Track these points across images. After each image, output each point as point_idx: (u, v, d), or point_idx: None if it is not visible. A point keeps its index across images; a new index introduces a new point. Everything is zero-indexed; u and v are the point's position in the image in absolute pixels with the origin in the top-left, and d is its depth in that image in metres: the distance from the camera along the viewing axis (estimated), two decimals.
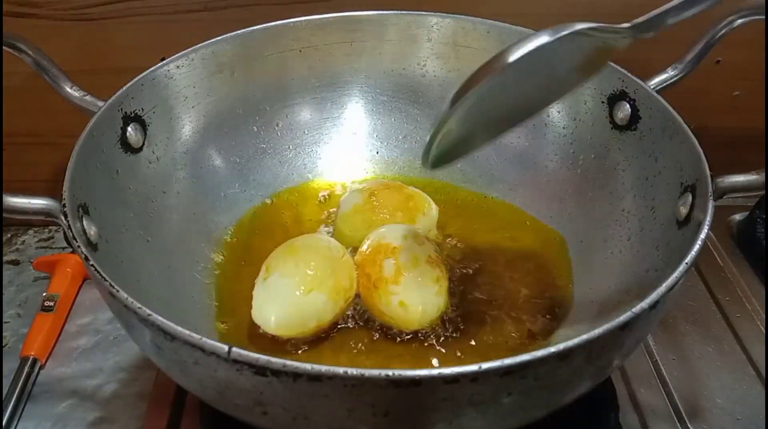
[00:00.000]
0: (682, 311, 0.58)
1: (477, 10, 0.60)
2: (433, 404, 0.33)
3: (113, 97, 0.49)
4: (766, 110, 0.62)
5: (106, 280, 0.36)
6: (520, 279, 0.53)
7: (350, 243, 0.53)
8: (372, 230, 0.52)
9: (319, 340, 0.48)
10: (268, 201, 0.60)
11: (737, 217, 0.67)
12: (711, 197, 0.41)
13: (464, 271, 0.54)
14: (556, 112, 0.58)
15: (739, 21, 0.50)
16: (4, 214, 0.41)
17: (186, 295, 0.51)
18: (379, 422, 0.33)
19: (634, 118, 0.52)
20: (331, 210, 0.60)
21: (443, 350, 0.48)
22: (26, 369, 0.53)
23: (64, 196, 0.41)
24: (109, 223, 0.45)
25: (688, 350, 0.55)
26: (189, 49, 0.55)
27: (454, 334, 0.49)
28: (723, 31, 0.51)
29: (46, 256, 0.64)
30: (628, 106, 0.52)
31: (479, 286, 0.53)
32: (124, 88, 0.50)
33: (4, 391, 0.51)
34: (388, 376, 0.31)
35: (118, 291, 0.36)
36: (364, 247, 0.51)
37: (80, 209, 0.42)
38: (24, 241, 0.68)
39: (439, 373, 0.31)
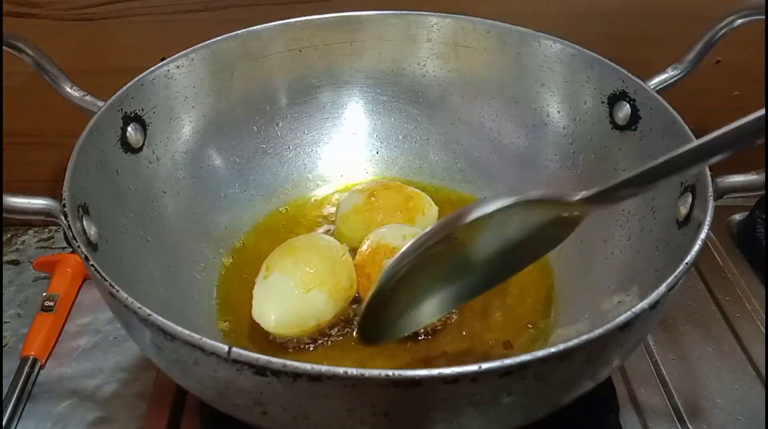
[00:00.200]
0: (682, 311, 0.58)
1: (477, 10, 0.60)
2: (433, 404, 0.33)
3: (113, 97, 0.49)
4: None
5: (106, 280, 0.36)
6: (520, 279, 0.53)
7: (350, 243, 0.53)
8: (372, 230, 0.52)
9: (320, 340, 0.48)
10: (269, 201, 0.60)
11: (737, 217, 0.67)
12: (711, 197, 0.41)
13: None
14: (556, 112, 0.58)
15: (739, 21, 0.50)
16: (4, 214, 0.41)
17: (186, 295, 0.51)
18: (379, 422, 0.33)
19: (634, 118, 0.52)
20: (330, 210, 0.60)
21: (443, 350, 0.48)
22: (26, 369, 0.53)
23: (64, 196, 0.41)
24: (109, 223, 0.45)
25: (688, 350, 0.55)
26: (189, 49, 0.55)
27: (455, 334, 0.49)
28: (723, 31, 0.51)
29: (46, 256, 0.64)
30: (628, 106, 0.52)
31: None
32: (124, 88, 0.50)
33: (4, 391, 0.51)
34: (388, 376, 0.30)
35: (118, 291, 0.36)
36: (363, 248, 0.51)
37: (80, 209, 0.42)
38: (24, 241, 0.68)
39: (439, 373, 0.31)
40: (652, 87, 0.51)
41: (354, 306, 0.50)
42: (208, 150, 0.57)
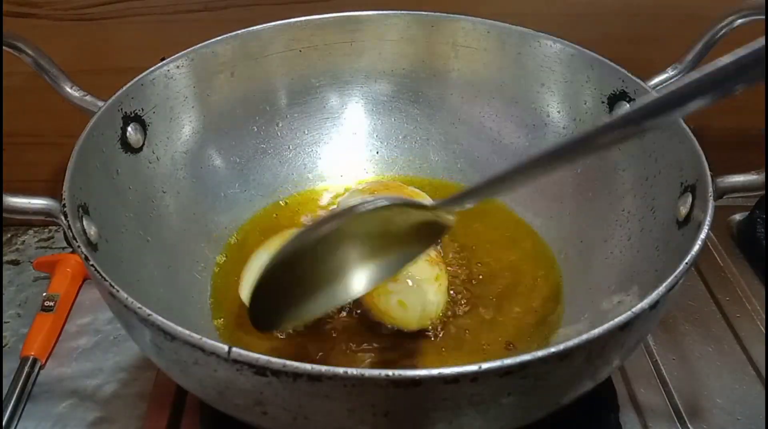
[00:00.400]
0: (682, 311, 0.58)
1: (477, 10, 0.60)
2: (433, 404, 0.33)
3: (113, 97, 0.49)
4: (766, 110, 0.62)
5: (106, 280, 0.36)
6: (520, 279, 0.54)
7: None
8: None
9: (319, 340, 0.48)
10: (268, 201, 0.60)
11: (737, 217, 0.67)
12: (711, 197, 0.41)
13: (464, 270, 0.54)
14: (556, 112, 0.58)
15: (739, 21, 0.50)
16: (4, 214, 0.41)
17: (186, 295, 0.51)
18: (379, 422, 0.33)
19: None
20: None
21: (443, 350, 0.48)
22: (26, 369, 0.53)
23: (64, 196, 0.41)
24: (109, 223, 0.45)
25: (688, 350, 0.55)
26: (189, 49, 0.55)
27: (455, 334, 0.49)
28: (723, 31, 0.51)
29: (46, 256, 0.64)
30: (628, 106, 0.52)
31: (479, 285, 0.53)
32: (124, 88, 0.50)
33: (4, 391, 0.51)
34: (388, 376, 0.31)
35: (118, 291, 0.36)
36: None
37: (80, 209, 0.42)
38: (24, 241, 0.68)
39: (439, 373, 0.31)
40: (652, 87, 0.51)
41: (354, 306, 0.50)
42: (208, 150, 0.57)
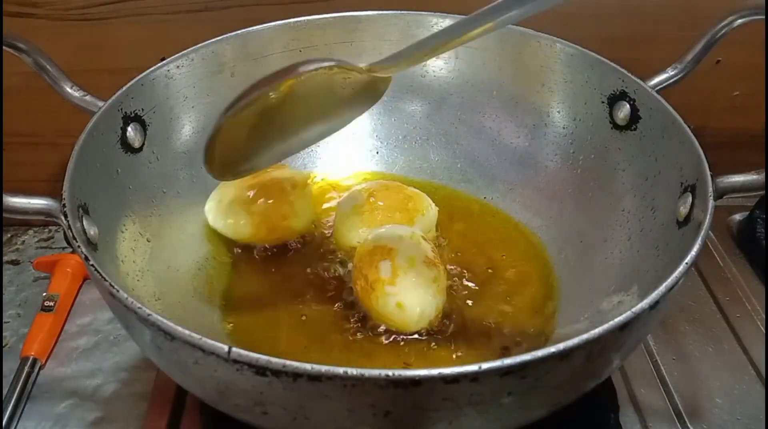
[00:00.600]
0: (682, 311, 0.58)
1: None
2: (433, 404, 0.33)
3: (113, 97, 0.49)
4: (766, 110, 0.62)
5: (106, 280, 0.36)
6: (519, 279, 0.54)
7: (349, 243, 0.54)
8: (371, 231, 0.52)
9: (318, 340, 0.48)
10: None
11: (737, 217, 0.67)
12: (711, 197, 0.41)
13: (464, 271, 0.54)
14: (556, 112, 0.58)
15: (739, 21, 0.50)
16: (4, 214, 0.41)
17: (186, 294, 0.51)
18: (379, 422, 0.33)
19: (634, 118, 0.52)
20: (330, 210, 0.60)
21: (443, 350, 0.48)
22: (26, 369, 0.53)
23: (64, 196, 0.41)
24: (109, 223, 0.45)
25: (688, 350, 0.55)
26: (189, 49, 0.55)
27: (454, 334, 0.49)
28: (723, 31, 0.51)
29: (46, 256, 0.64)
30: (628, 106, 0.52)
31: (479, 286, 0.53)
32: (124, 88, 0.50)
33: (4, 391, 0.51)
34: (388, 376, 0.31)
35: (118, 291, 0.36)
36: (361, 250, 0.51)
37: (80, 209, 0.42)
38: (24, 241, 0.68)
39: (439, 373, 0.31)
40: (652, 87, 0.51)
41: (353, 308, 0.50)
42: None
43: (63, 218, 0.40)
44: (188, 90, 0.55)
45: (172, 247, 0.52)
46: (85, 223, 0.42)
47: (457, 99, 0.62)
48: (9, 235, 0.69)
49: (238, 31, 0.57)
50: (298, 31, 0.59)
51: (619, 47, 0.55)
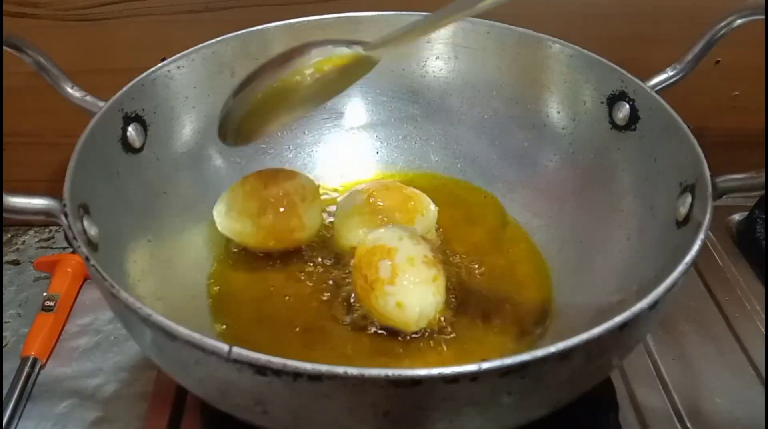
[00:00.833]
0: (682, 311, 0.58)
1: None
2: (433, 404, 0.33)
3: (114, 98, 0.49)
4: (766, 110, 0.62)
5: (107, 280, 0.36)
6: (518, 279, 0.54)
7: (349, 244, 0.54)
8: (371, 231, 0.52)
9: (318, 340, 0.48)
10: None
11: (737, 217, 0.67)
12: (710, 197, 0.41)
13: (463, 271, 0.54)
14: (555, 113, 0.58)
15: (739, 21, 0.50)
16: (4, 214, 0.41)
17: (186, 295, 0.51)
18: (379, 422, 0.34)
19: (634, 118, 0.52)
20: (330, 210, 0.60)
21: (443, 350, 0.48)
22: (26, 369, 0.53)
23: (64, 196, 0.41)
24: (110, 223, 0.45)
25: (688, 350, 0.55)
26: (189, 50, 0.55)
27: (454, 334, 0.49)
28: (723, 31, 0.51)
29: (47, 256, 0.64)
30: (627, 106, 0.52)
31: (479, 286, 0.53)
32: (125, 88, 0.50)
33: (4, 391, 0.51)
34: (388, 376, 0.31)
35: (118, 291, 0.36)
36: (361, 248, 0.51)
37: (81, 209, 0.42)
38: (24, 241, 0.68)
39: (439, 373, 0.31)
40: (651, 87, 0.51)
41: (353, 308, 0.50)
42: (208, 150, 0.57)
43: (63, 218, 0.40)
44: (189, 90, 0.55)
45: (172, 247, 0.52)
46: (85, 223, 0.42)
47: (457, 99, 0.62)
48: (9, 235, 0.69)
49: (239, 32, 0.57)
50: (298, 31, 0.59)
51: (619, 47, 0.55)
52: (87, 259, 0.38)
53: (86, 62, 0.62)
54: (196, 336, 0.32)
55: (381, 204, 0.55)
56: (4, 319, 0.59)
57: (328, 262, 0.54)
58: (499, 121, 0.61)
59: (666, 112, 0.49)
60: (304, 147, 0.62)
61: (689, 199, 0.44)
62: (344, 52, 0.45)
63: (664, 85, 0.52)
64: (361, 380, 0.31)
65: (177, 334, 0.33)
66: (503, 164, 0.61)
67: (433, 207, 0.56)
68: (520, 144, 0.60)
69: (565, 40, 0.56)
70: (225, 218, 0.53)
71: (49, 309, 0.58)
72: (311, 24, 0.59)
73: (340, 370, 0.31)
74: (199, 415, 0.49)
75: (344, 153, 0.63)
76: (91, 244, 0.42)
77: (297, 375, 0.31)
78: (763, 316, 0.58)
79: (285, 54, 0.46)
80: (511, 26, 0.58)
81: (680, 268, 0.37)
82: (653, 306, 0.35)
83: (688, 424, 0.50)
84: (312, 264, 0.54)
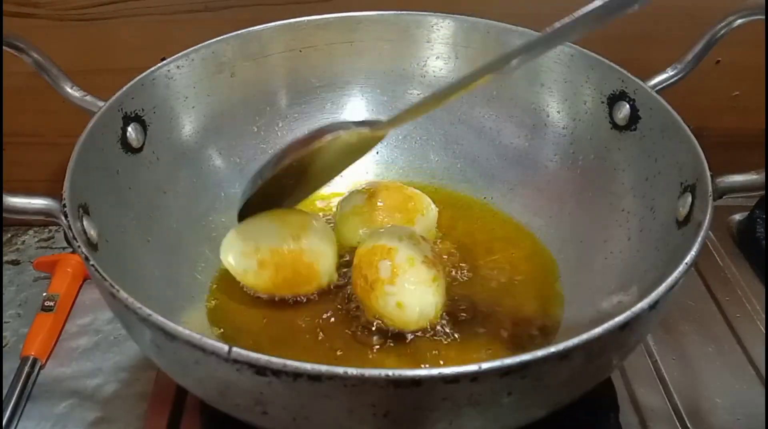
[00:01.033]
0: (682, 311, 0.58)
1: (477, 11, 0.60)
2: (433, 404, 0.33)
3: (113, 98, 0.49)
4: (766, 110, 0.62)
5: (107, 280, 0.36)
6: (518, 279, 0.54)
7: (350, 244, 0.54)
8: (371, 231, 0.52)
9: (318, 340, 0.48)
10: None
11: (737, 217, 0.67)
12: (711, 197, 0.41)
13: (463, 271, 0.54)
14: (555, 113, 0.58)
15: (739, 21, 0.50)
16: (4, 214, 0.41)
17: (186, 295, 0.51)
18: (379, 422, 0.33)
19: (634, 118, 0.52)
20: (330, 210, 0.60)
21: (443, 350, 0.48)
22: (26, 369, 0.53)
23: (64, 196, 0.41)
24: (110, 223, 0.45)
25: (688, 350, 0.55)
26: (189, 49, 0.55)
27: (454, 334, 0.49)
28: (723, 31, 0.51)
29: (47, 256, 0.64)
30: (627, 106, 0.52)
31: (479, 286, 0.53)
32: (124, 88, 0.50)
33: (4, 391, 0.51)
34: (388, 376, 0.31)
35: (118, 291, 0.36)
36: (361, 249, 0.51)
37: (80, 209, 0.42)
38: (24, 241, 0.68)
39: (439, 373, 0.31)
40: (652, 87, 0.51)
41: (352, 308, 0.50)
42: (208, 150, 0.57)
43: (63, 218, 0.40)
44: (188, 90, 0.55)
45: (172, 247, 0.52)
46: (85, 223, 0.42)
47: (457, 99, 0.62)
48: (9, 235, 0.69)
49: (238, 31, 0.57)
50: (298, 31, 0.59)
51: (619, 47, 0.55)
52: (87, 259, 0.38)
53: (86, 62, 0.62)
54: (196, 336, 0.32)
55: (381, 204, 0.55)
56: (4, 319, 0.59)
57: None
58: (499, 121, 0.61)
59: (666, 112, 0.49)
60: None
61: (689, 199, 0.44)
62: (352, 135, 0.47)
63: (664, 85, 0.52)
64: (361, 380, 0.31)
65: (177, 334, 0.33)
66: (503, 164, 0.61)
67: (433, 207, 0.56)
68: (520, 144, 0.60)
69: None
70: (237, 259, 0.51)
71: (48, 309, 0.58)
72: (311, 24, 0.59)
73: (340, 370, 0.31)
74: (199, 415, 0.49)
75: None
76: (91, 244, 0.42)
77: (297, 375, 0.31)
78: (763, 316, 0.58)
79: (301, 139, 0.48)
80: (511, 26, 0.58)
81: (680, 268, 0.37)
82: (653, 306, 0.35)
83: (688, 424, 0.50)
84: None
